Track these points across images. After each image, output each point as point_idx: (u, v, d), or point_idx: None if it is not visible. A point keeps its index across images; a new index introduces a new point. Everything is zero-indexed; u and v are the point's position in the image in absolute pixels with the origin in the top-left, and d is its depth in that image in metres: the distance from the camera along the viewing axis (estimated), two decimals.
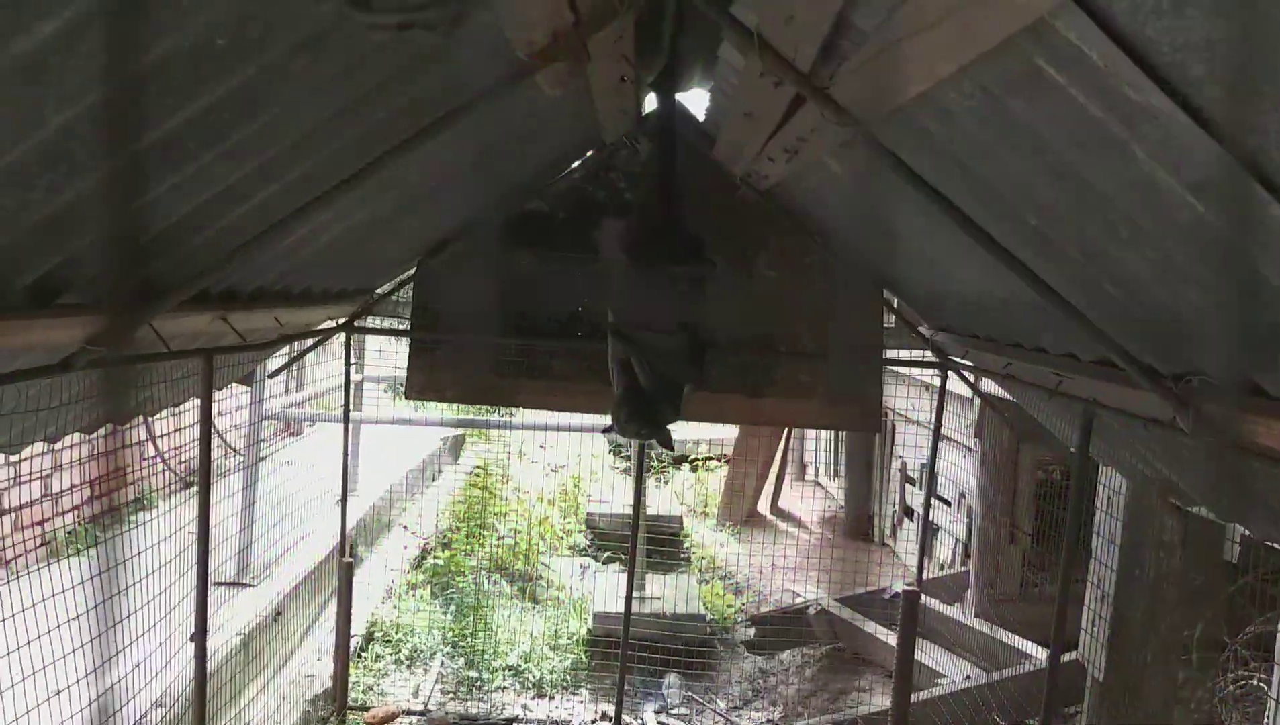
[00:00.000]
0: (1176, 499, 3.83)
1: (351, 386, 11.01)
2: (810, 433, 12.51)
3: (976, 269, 3.21)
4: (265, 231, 2.53)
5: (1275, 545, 3.44)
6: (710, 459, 13.12)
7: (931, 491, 5.33)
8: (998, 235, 2.68)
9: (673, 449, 3.73)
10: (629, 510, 8.22)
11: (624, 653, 5.40)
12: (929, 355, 4.69)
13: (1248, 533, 4.07)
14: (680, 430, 12.69)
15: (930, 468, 5.29)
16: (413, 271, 4.70)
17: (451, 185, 3.78)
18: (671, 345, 3.10)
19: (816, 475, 12.77)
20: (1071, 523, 3.57)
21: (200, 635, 3.44)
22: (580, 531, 10.48)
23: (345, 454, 4.68)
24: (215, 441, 9.05)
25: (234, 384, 5.35)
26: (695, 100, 4.71)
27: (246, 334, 3.37)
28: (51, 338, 2.34)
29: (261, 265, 3.04)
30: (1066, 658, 5.54)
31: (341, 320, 4.57)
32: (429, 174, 3.30)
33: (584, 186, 4.62)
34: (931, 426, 8.94)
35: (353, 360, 11.12)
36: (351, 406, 10.52)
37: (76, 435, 8.43)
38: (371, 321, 4.96)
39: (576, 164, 4.67)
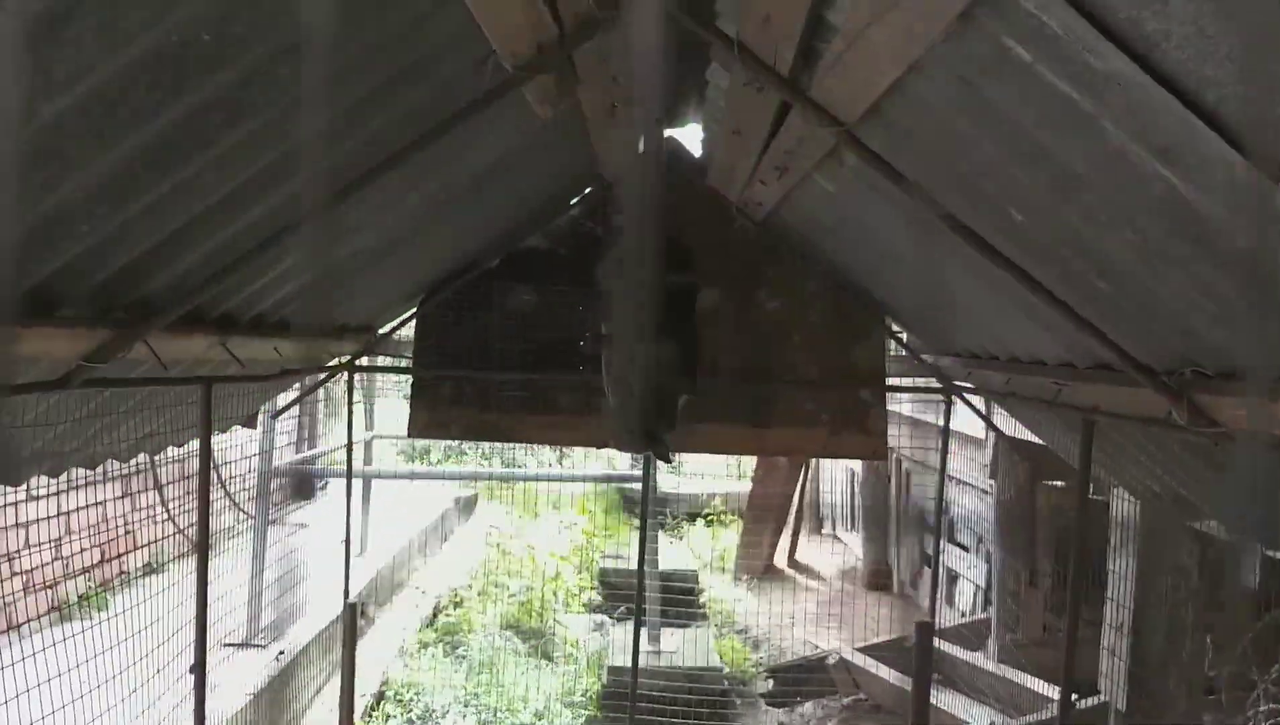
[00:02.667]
0: (1187, 515, 3.76)
1: (364, 442, 10.97)
2: (825, 485, 12.41)
3: (970, 277, 3.22)
4: (258, 247, 2.57)
5: None
6: (725, 513, 13.01)
7: (940, 519, 5.26)
8: (986, 234, 2.70)
9: (670, 461, 3.73)
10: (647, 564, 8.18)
11: (634, 690, 5.30)
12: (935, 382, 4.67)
13: (1270, 553, 3.99)
14: (695, 485, 12.56)
15: (939, 497, 5.23)
16: (414, 310, 4.75)
17: (450, 217, 3.84)
18: (664, 356, 3.11)
19: (834, 528, 12.62)
20: (1077, 546, 3.51)
21: (200, 669, 3.41)
22: (593, 588, 10.36)
23: (348, 489, 4.68)
24: (224, 501, 9.04)
25: (238, 428, 5.37)
26: (691, 138, 4.79)
27: (247, 363, 3.40)
28: (47, 351, 2.37)
29: (259, 290, 3.09)
30: (1093, 701, 5.40)
31: (344, 358, 4.61)
32: (426, 200, 3.36)
33: (584, 223, 4.68)
34: (948, 471, 8.85)
35: (363, 420, 11.12)
36: (363, 462, 10.48)
37: (85, 499, 8.33)
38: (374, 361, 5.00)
39: (575, 200, 4.75)
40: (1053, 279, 2.70)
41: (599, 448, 3.83)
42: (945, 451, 4.97)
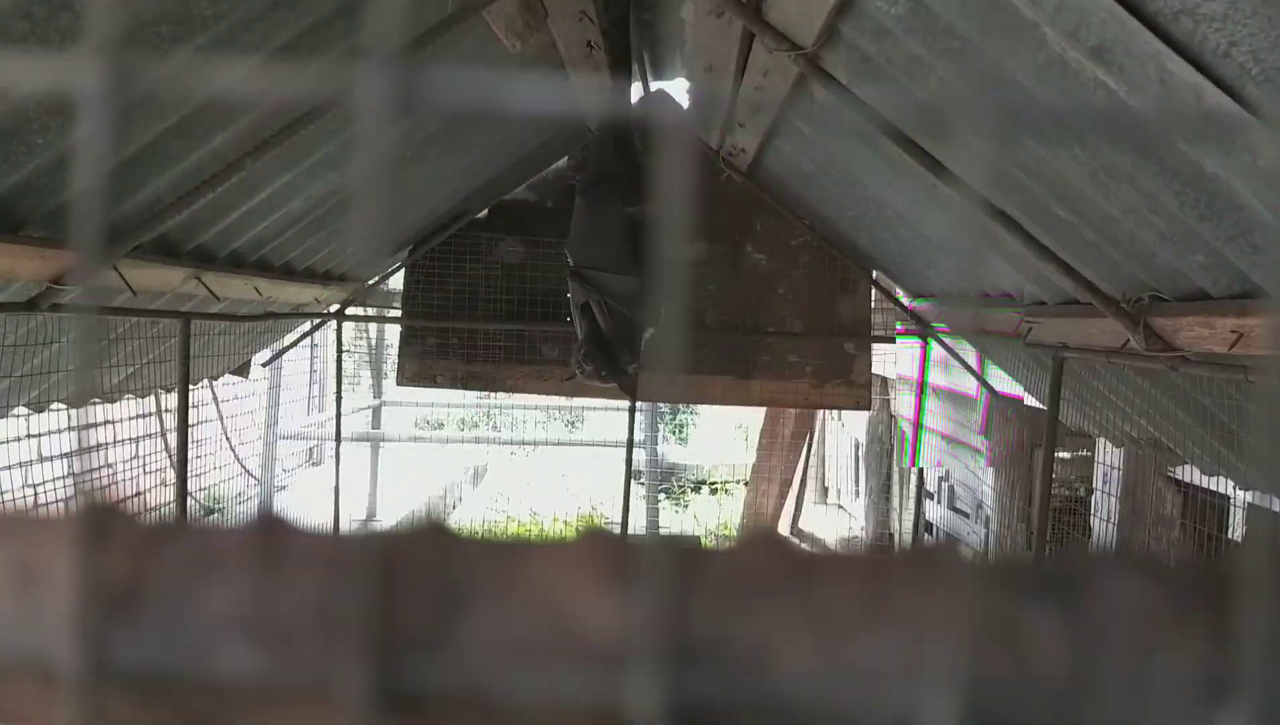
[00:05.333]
0: (1165, 459, 3.75)
1: (373, 409, 11.02)
2: (830, 454, 12.40)
3: (943, 217, 3.22)
4: (223, 173, 2.60)
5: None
6: (730, 482, 13.04)
7: (920, 472, 5.28)
8: (950, 165, 2.69)
9: (634, 395, 3.76)
10: (648, 531, 8.25)
11: None
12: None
13: (1249, 498, 3.97)
14: (701, 455, 12.57)
15: (916, 446, 5.24)
16: (403, 260, 4.80)
17: (431, 161, 3.86)
18: (629, 287, 3.13)
19: (839, 497, 12.62)
20: (1043, 491, 3.51)
21: None
22: None
23: (338, 436, 4.74)
24: (234, 466, 9.12)
25: (235, 381, 5.44)
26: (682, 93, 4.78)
27: (225, 301, 3.45)
28: (12, 270, 2.41)
29: (235, 223, 3.12)
30: None
31: (333, 307, 4.66)
32: (403, 139, 3.37)
33: (571, 175, 4.69)
34: (944, 432, 8.80)
35: (371, 386, 11.18)
36: (371, 428, 10.55)
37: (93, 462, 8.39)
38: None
39: (566, 154, 4.76)
40: (1016, 209, 2.69)
41: (568, 381, 3.86)
42: (922, 396, 4.97)
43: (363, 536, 0.18)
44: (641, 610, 0.16)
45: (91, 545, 0.17)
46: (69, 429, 7.39)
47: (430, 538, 0.18)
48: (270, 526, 0.19)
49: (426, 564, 0.17)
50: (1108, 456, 4.49)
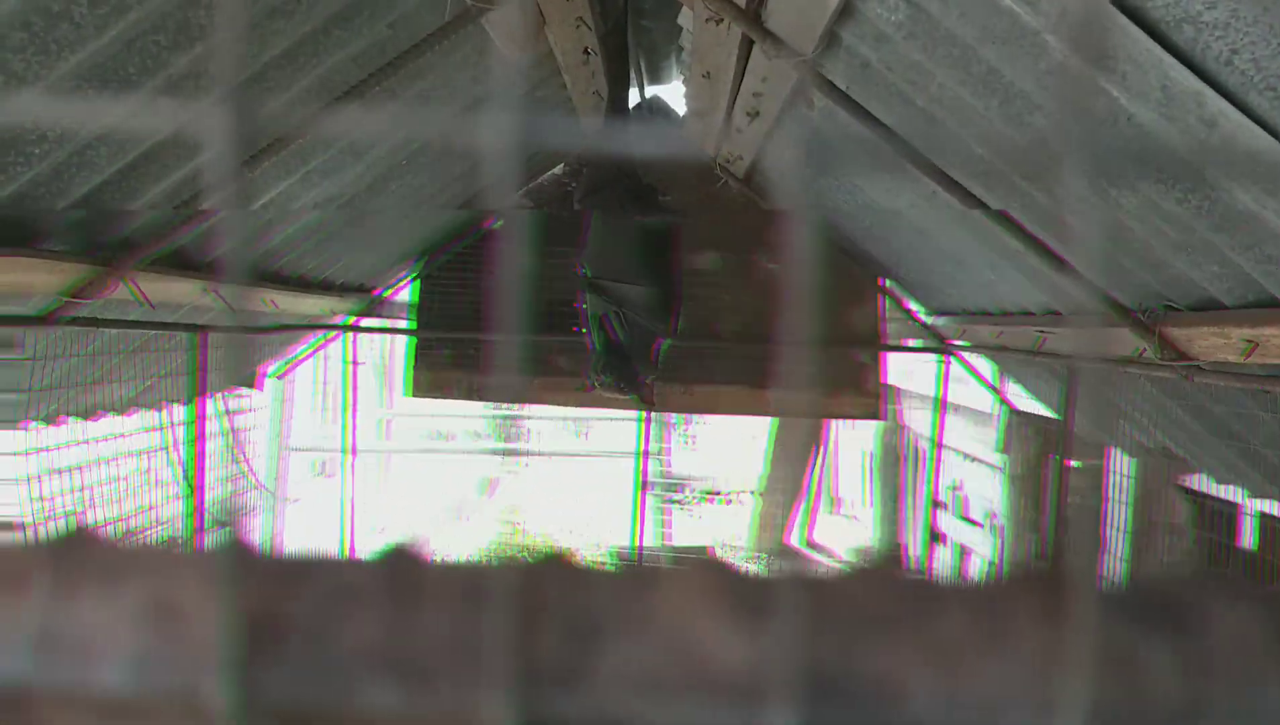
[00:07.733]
0: (1177, 468, 3.74)
1: (382, 420, 11.05)
2: (841, 465, 12.38)
3: (951, 226, 3.22)
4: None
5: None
6: (740, 492, 13.02)
7: (933, 485, 5.27)
8: (956, 176, 2.69)
9: (652, 406, 3.77)
10: (658, 542, 8.28)
11: None
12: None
13: (1264, 509, 3.95)
14: (711, 465, 12.51)
15: (933, 462, 5.24)
16: (414, 272, 4.82)
17: (435, 172, 3.87)
18: (643, 297, 3.14)
19: (849, 507, 12.60)
20: (1058, 500, 3.50)
21: None
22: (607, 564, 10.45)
23: (349, 448, 4.76)
24: (239, 472, 9.12)
25: (248, 394, 5.45)
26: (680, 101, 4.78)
27: (239, 313, 3.46)
28: (28, 282, 2.42)
29: (245, 234, 3.13)
30: None
31: (344, 318, 4.68)
32: (399, 149, 3.37)
33: (567, 182, 4.71)
34: (956, 446, 8.79)
35: (381, 398, 11.21)
36: (380, 438, 10.57)
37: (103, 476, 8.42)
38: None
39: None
40: (1022, 216, 2.69)
41: (584, 391, 3.85)
42: (940, 413, 4.96)
43: (494, 569, 0.19)
44: (775, 644, 0.16)
45: (233, 581, 0.17)
46: (79, 442, 7.42)
47: (556, 570, 0.18)
48: (402, 559, 0.19)
49: (557, 596, 0.18)
50: (1120, 465, 4.47)
